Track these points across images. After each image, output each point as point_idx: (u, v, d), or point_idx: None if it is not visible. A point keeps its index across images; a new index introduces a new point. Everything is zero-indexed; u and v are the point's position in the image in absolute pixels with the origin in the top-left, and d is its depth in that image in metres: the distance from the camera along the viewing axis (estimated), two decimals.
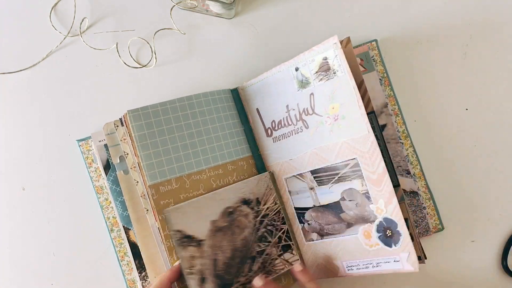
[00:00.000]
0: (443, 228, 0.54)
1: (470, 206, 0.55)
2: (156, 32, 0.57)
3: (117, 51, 0.57)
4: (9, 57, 0.57)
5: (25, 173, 0.56)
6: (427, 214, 0.54)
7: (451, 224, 0.55)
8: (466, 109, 0.57)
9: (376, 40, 0.56)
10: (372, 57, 0.55)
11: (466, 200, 0.55)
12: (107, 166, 0.53)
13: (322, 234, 0.51)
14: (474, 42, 0.57)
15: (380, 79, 0.55)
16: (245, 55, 0.57)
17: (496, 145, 0.56)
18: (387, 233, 0.46)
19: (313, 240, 0.51)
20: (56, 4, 0.58)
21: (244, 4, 0.58)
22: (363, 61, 0.55)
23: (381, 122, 0.55)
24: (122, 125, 0.50)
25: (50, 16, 0.58)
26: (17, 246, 0.55)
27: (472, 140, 0.56)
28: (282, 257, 0.51)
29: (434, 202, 0.55)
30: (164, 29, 0.57)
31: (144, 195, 0.49)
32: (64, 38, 0.58)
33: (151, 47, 0.57)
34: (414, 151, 0.55)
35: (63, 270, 0.55)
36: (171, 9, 0.56)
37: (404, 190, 0.54)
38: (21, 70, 0.57)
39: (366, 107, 0.47)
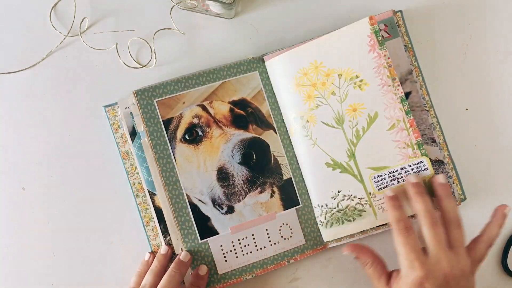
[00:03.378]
0: (465, 199, 0.55)
1: (470, 205, 0.55)
2: (156, 32, 0.57)
3: (117, 51, 0.57)
4: (9, 57, 0.57)
5: (25, 173, 0.56)
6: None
7: None
8: (466, 109, 0.57)
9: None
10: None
11: (466, 199, 0.55)
12: (133, 133, 0.54)
13: None
14: (474, 42, 0.57)
15: (404, 46, 0.55)
16: (245, 55, 0.57)
17: (496, 145, 0.56)
18: None
19: None
20: (56, 4, 0.58)
21: (244, 4, 0.58)
22: (387, 27, 0.54)
23: (406, 89, 0.54)
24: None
25: (50, 16, 0.58)
26: (17, 245, 0.55)
27: (472, 140, 0.56)
28: None
29: None
30: (164, 29, 0.57)
31: None
32: (64, 38, 0.58)
33: (151, 47, 0.57)
34: None
35: (63, 270, 0.55)
36: (171, 9, 0.56)
37: (429, 159, 0.52)
38: (21, 70, 0.57)
39: None
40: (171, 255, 0.53)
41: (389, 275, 0.49)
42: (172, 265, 0.51)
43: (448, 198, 0.49)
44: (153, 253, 0.54)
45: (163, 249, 0.53)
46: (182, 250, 0.52)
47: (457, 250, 0.46)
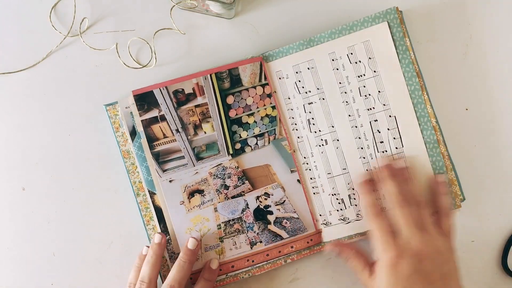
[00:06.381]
0: (464, 199, 0.54)
1: (470, 206, 0.55)
2: (156, 32, 0.57)
3: (117, 51, 0.57)
4: (9, 57, 0.57)
5: (25, 173, 0.56)
6: None
7: None
8: (466, 109, 0.57)
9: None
10: None
11: (466, 199, 0.55)
12: (133, 132, 0.54)
13: None
14: (474, 42, 0.57)
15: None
16: (245, 55, 0.57)
17: (496, 145, 0.56)
18: None
19: None
20: (56, 4, 0.58)
21: (244, 4, 0.58)
22: None
23: None
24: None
25: (50, 16, 0.58)
26: (18, 245, 0.55)
27: (472, 140, 0.56)
28: None
29: None
30: (164, 29, 0.57)
31: None
32: (64, 38, 0.58)
33: (151, 47, 0.57)
34: None
35: (63, 270, 0.55)
36: (171, 9, 0.56)
37: None
38: (21, 70, 0.57)
39: None
40: (166, 244, 0.52)
41: (372, 266, 0.49)
42: (181, 255, 0.50)
43: (446, 196, 0.50)
44: None
45: (157, 238, 0.51)
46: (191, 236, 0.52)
47: (429, 229, 0.46)
